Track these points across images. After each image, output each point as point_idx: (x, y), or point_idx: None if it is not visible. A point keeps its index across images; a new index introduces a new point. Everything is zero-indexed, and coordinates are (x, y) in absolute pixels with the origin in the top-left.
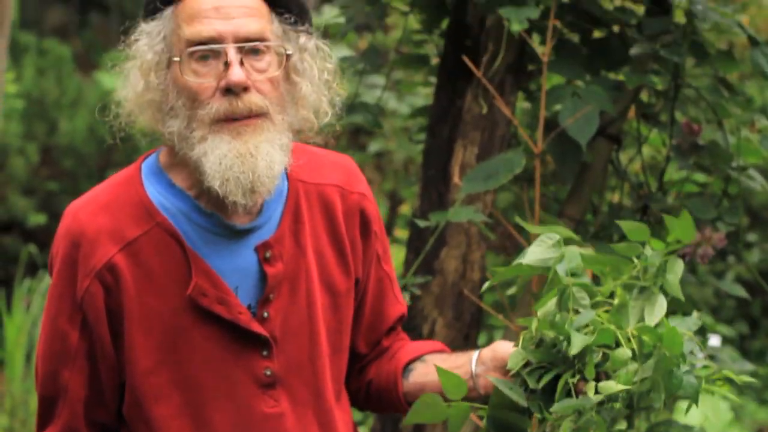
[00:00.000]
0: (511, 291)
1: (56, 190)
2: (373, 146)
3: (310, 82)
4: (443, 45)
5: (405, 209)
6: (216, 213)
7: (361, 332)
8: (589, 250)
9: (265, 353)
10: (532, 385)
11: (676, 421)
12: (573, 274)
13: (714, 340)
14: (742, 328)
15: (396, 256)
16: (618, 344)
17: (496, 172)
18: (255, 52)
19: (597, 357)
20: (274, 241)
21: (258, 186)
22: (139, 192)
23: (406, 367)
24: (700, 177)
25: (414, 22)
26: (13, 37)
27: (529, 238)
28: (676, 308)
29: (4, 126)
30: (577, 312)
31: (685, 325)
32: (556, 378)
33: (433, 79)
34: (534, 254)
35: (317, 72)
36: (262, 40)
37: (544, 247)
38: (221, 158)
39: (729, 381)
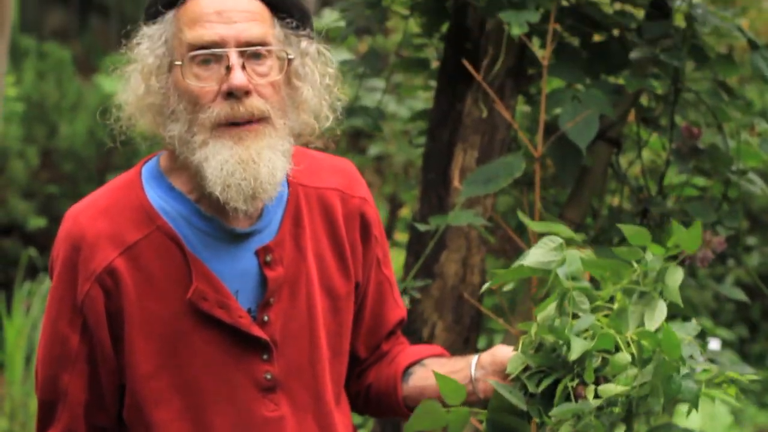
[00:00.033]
0: (508, 287)
1: (56, 193)
2: (373, 149)
3: (312, 87)
4: (443, 48)
5: (405, 212)
6: (216, 217)
7: (361, 336)
8: (588, 252)
9: (265, 357)
10: (531, 389)
11: (676, 424)
12: (573, 278)
13: (713, 344)
14: (741, 331)
15: (396, 259)
16: (617, 349)
17: (496, 175)
18: (257, 56)
19: (596, 361)
20: (274, 244)
21: (260, 193)
22: (140, 196)
23: (406, 371)
24: (700, 181)
25: (414, 25)
26: (13, 40)
27: (529, 242)
28: (676, 312)
29: (4, 129)
30: (576, 316)
31: (685, 331)
32: (556, 382)
33: (433, 83)
34: (535, 256)
35: (318, 76)
36: (264, 44)
37: (546, 250)
38: (223, 164)
39: (733, 382)
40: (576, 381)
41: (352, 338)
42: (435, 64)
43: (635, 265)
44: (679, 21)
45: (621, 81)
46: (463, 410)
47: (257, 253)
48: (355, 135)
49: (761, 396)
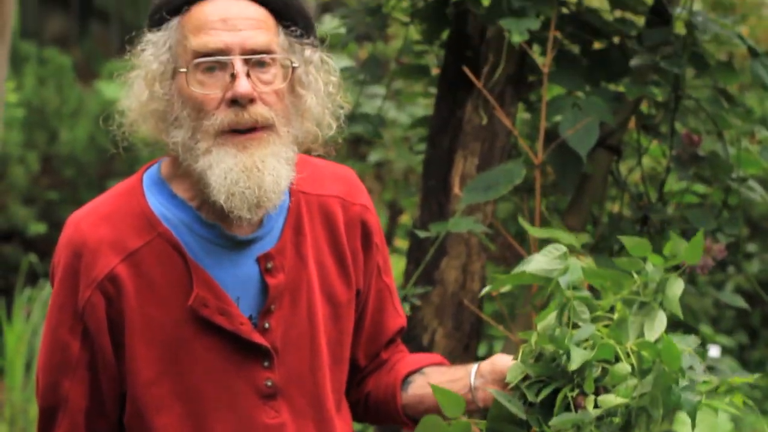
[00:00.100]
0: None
1: (56, 199)
2: (373, 156)
3: (315, 95)
4: (444, 55)
5: (405, 219)
6: (218, 224)
7: (361, 344)
8: (588, 261)
9: (266, 364)
10: (531, 398)
11: None
12: (574, 288)
13: (713, 351)
14: (741, 338)
15: (396, 266)
16: (617, 359)
17: (496, 182)
18: (261, 64)
19: (596, 371)
20: (275, 252)
21: (264, 201)
22: (141, 203)
23: (405, 380)
24: (700, 188)
25: (414, 32)
26: (13, 46)
27: (530, 249)
28: (678, 320)
29: (5, 135)
30: (576, 326)
31: (685, 342)
32: (555, 392)
33: (434, 90)
34: (538, 263)
35: (322, 85)
36: (268, 52)
37: (550, 258)
38: (227, 172)
39: (735, 389)
40: (576, 391)
41: (352, 346)
42: (435, 71)
43: (635, 275)
44: (680, 28)
45: (621, 88)
46: (464, 423)
47: (258, 260)
48: (355, 141)
49: (762, 403)
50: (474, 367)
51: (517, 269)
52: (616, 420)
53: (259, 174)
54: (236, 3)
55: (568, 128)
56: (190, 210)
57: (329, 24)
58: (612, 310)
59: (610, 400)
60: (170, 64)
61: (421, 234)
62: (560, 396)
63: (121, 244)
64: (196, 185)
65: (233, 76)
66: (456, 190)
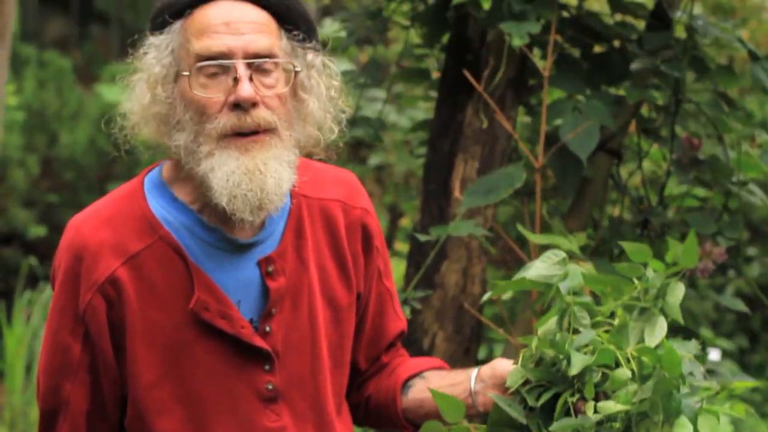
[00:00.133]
0: (507, 296)
1: (56, 202)
2: (374, 159)
3: (317, 99)
4: (444, 59)
5: (405, 222)
6: (219, 227)
7: (361, 347)
8: (589, 267)
9: (267, 367)
10: (531, 403)
11: None
12: (574, 293)
13: (714, 354)
14: (741, 342)
15: (396, 269)
16: (618, 365)
17: (496, 186)
18: (264, 68)
19: (596, 377)
20: (276, 255)
21: (266, 203)
22: (142, 206)
23: (405, 384)
24: (701, 191)
25: (415, 36)
26: (13, 50)
27: (530, 253)
28: (678, 324)
29: (5, 138)
30: (577, 331)
31: (685, 349)
32: (556, 397)
33: (434, 93)
34: (538, 269)
35: (324, 89)
36: (271, 56)
37: (549, 264)
38: (229, 175)
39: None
40: (576, 396)
41: (353, 349)
42: (436, 75)
43: (636, 281)
44: (680, 32)
45: (622, 92)
46: (465, 427)
47: (259, 264)
48: (355, 145)
49: (762, 406)
50: (474, 372)
51: (517, 276)
52: (617, 425)
53: (261, 177)
54: (239, 7)
55: (569, 132)
56: (192, 213)
57: (330, 27)
58: (612, 315)
59: (610, 405)
60: (173, 68)
61: (422, 237)
62: (560, 401)
63: (122, 247)
64: (197, 188)
65: (236, 80)
66: (456, 193)
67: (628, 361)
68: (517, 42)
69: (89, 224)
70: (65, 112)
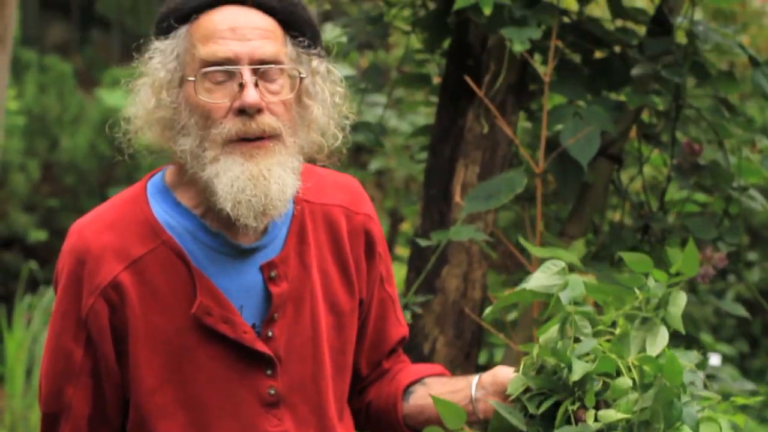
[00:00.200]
0: (512, 317)
1: (57, 206)
2: (374, 164)
3: (321, 106)
4: (445, 64)
5: (406, 227)
6: (222, 232)
7: (363, 353)
8: (590, 277)
9: (269, 372)
10: (531, 410)
11: None
12: (575, 303)
13: (714, 360)
14: (742, 346)
15: (397, 274)
16: (619, 373)
17: (497, 191)
18: (269, 74)
19: (597, 385)
20: (279, 260)
21: (270, 209)
22: (145, 210)
23: (407, 390)
24: (701, 197)
25: (416, 41)
26: (14, 54)
27: (530, 258)
28: (680, 330)
29: (6, 142)
30: (578, 340)
31: (687, 358)
32: (556, 404)
33: (435, 99)
34: (538, 280)
35: (328, 95)
36: (276, 62)
37: (549, 274)
38: (233, 180)
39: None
40: (577, 404)
41: (355, 355)
42: (436, 80)
43: (637, 291)
44: (681, 38)
45: (622, 97)
46: None
47: (262, 269)
48: (356, 150)
49: (762, 411)
50: (475, 379)
51: (518, 288)
52: None
53: (265, 182)
54: (245, 12)
55: (569, 137)
56: (195, 218)
57: (331, 33)
58: (614, 325)
59: (611, 414)
60: (178, 73)
61: (422, 242)
62: (561, 409)
63: (125, 251)
64: (201, 193)
65: (241, 86)
66: (457, 198)
67: (630, 369)
68: (518, 47)
69: (92, 228)
70: (66, 116)
